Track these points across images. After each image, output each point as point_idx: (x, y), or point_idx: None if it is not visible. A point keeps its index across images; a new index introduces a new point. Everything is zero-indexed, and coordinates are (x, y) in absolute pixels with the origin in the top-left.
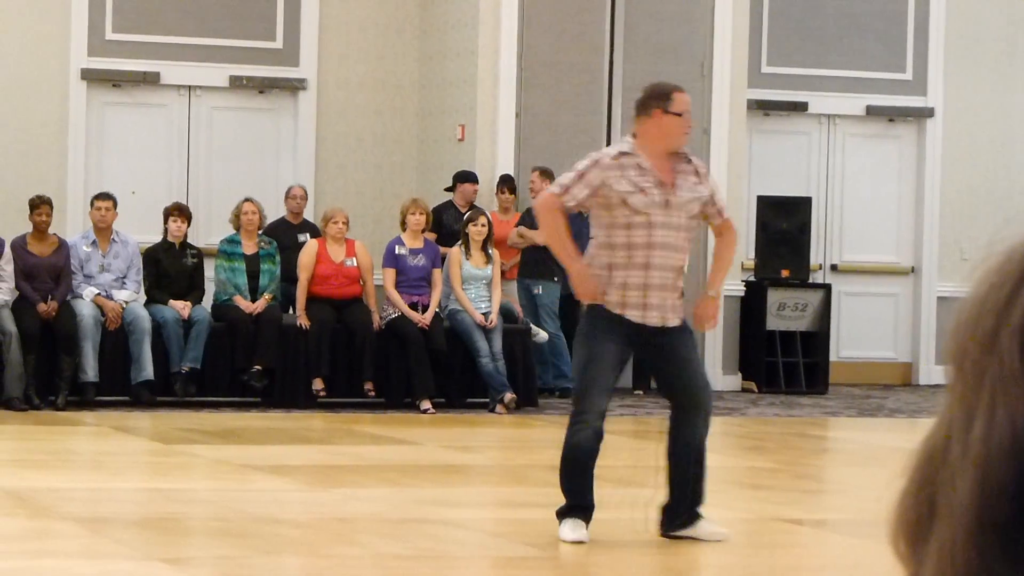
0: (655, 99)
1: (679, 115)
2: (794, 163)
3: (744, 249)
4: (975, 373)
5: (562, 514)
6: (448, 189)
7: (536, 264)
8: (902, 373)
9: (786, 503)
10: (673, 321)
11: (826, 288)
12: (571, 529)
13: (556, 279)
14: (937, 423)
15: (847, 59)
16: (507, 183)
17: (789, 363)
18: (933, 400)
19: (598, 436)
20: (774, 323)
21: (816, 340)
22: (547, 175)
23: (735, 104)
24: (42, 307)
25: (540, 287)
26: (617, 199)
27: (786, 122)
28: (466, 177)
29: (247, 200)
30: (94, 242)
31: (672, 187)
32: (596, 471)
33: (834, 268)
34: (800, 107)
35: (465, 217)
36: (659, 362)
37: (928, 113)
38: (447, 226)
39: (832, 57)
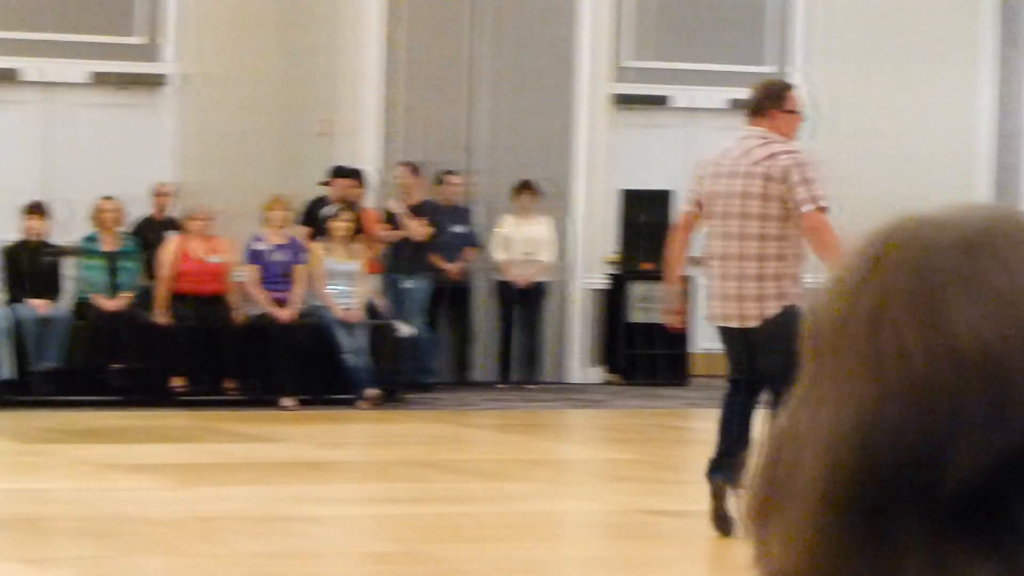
0: (772, 98)
1: (794, 112)
2: (656, 157)
3: (607, 242)
4: (827, 356)
5: None
6: (323, 184)
7: (407, 259)
8: None
9: (648, 494)
10: None
11: (688, 280)
12: None
13: (426, 273)
14: (789, 404)
15: (709, 53)
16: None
17: (651, 355)
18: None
19: None
20: (636, 315)
21: (678, 332)
22: (416, 170)
23: (597, 98)
24: None
25: (410, 282)
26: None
27: (648, 116)
28: (341, 172)
29: (105, 198)
30: None
31: None
32: (462, 465)
33: (696, 261)
34: (662, 101)
35: (328, 212)
36: None
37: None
38: (322, 221)
39: (694, 51)
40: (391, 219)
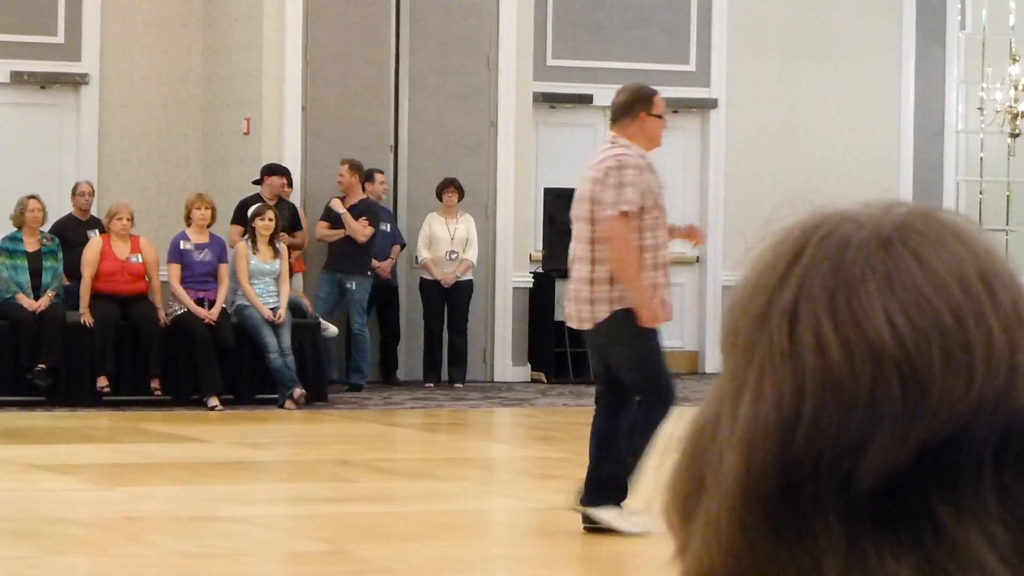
0: (642, 102)
1: (656, 116)
2: (580, 155)
3: (532, 241)
4: (745, 350)
5: (617, 503)
6: (256, 182)
7: (348, 258)
8: (689, 361)
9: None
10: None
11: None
12: (632, 520)
13: (368, 273)
14: (709, 399)
15: (631, 51)
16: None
17: (578, 353)
18: None
19: None
20: (562, 314)
21: None
22: (356, 169)
23: (521, 97)
24: None
25: (353, 282)
26: (652, 201)
27: (572, 114)
28: (274, 170)
29: (31, 197)
30: None
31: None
32: (387, 465)
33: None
34: (585, 99)
35: (251, 211)
36: None
37: (712, 104)
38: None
39: (617, 49)
40: (329, 217)
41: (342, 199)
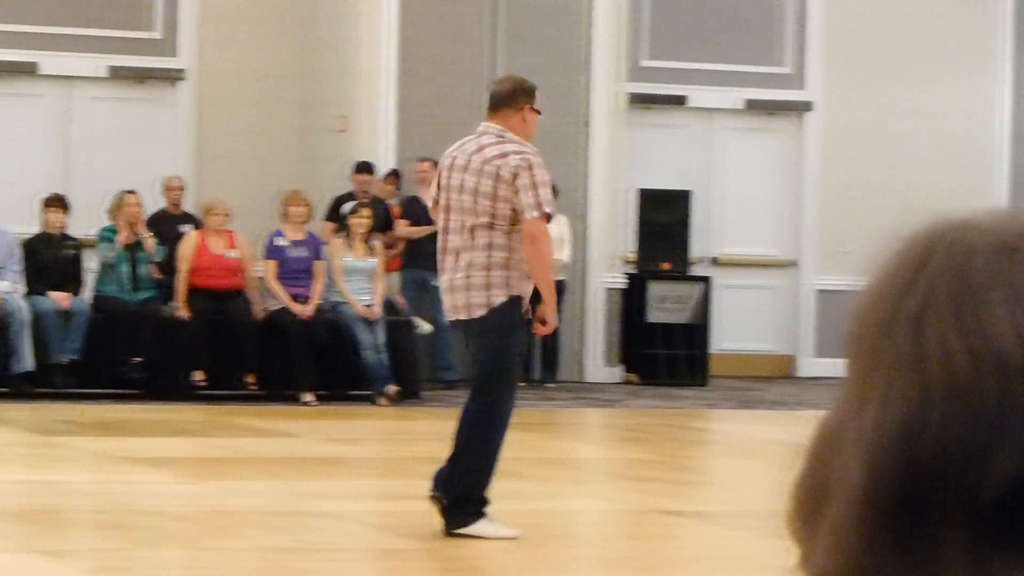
0: (525, 94)
1: (539, 112)
2: (674, 157)
3: (625, 242)
4: (870, 358)
5: (482, 513)
6: (349, 180)
7: (433, 256)
8: (781, 365)
9: (666, 495)
10: None
11: (706, 281)
12: (500, 526)
13: None
14: (834, 406)
15: (726, 53)
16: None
17: (670, 355)
18: (813, 392)
19: None
20: (655, 315)
21: (696, 332)
22: (436, 166)
23: (615, 98)
24: None
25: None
26: None
27: (666, 116)
28: (359, 168)
29: (128, 191)
30: None
31: None
32: None
33: (714, 261)
34: (679, 101)
35: (347, 208)
36: None
37: (807, 107)
38: (342, 217)
39: (711, 51)
40: (411, 215)
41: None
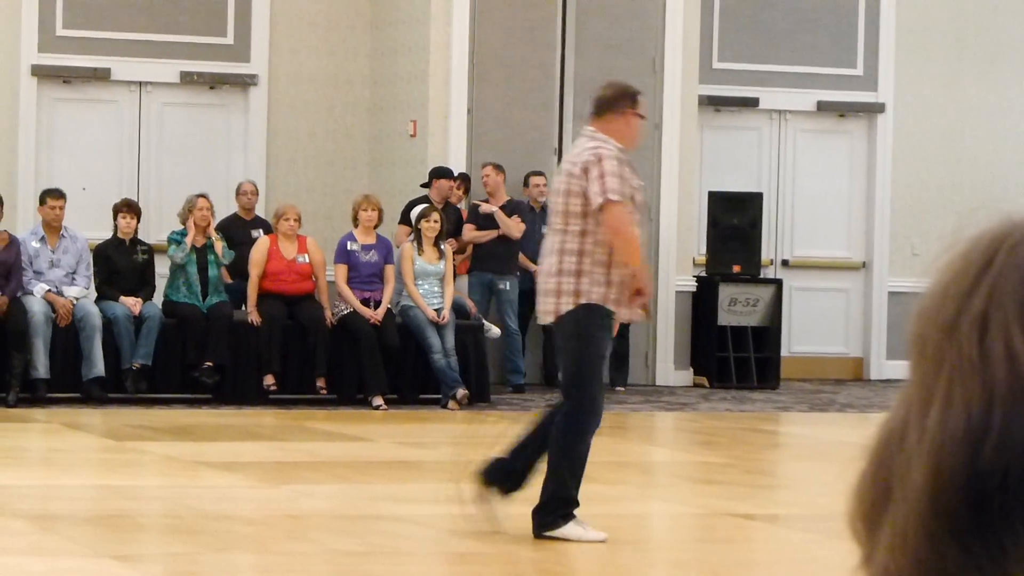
0: (629, 99)
1: (643, 117)
2: (745, 159)
3: (696, 244)
4: (934, 359)
5: (570, 515)
6: (424, 185)
7: (499, 259)
8: (853, 368)
9: (738, 498)
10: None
11: (777, 283)
12: (589, 529)
13: (518, 274)
14: (896, 407)
15: (798, 55)
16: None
17: (740, 358)
18: (884, 395)
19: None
20: (725, 318)
21: (767, 335)
22: (500, 170)
23: (686, 100)
24: None
25: (506, 282)
26: (628, 195)
27: (737, 118)
28: (442, 173)
29: (200, 195)
30: (43, 238)
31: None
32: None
33: (785, 263)
34: (751, 103)
35: (417, 213)
36: None
37: (879, 108)
38: (415, 221)
39: (783, 53)
40: (476, 219)
41: (486, 201)
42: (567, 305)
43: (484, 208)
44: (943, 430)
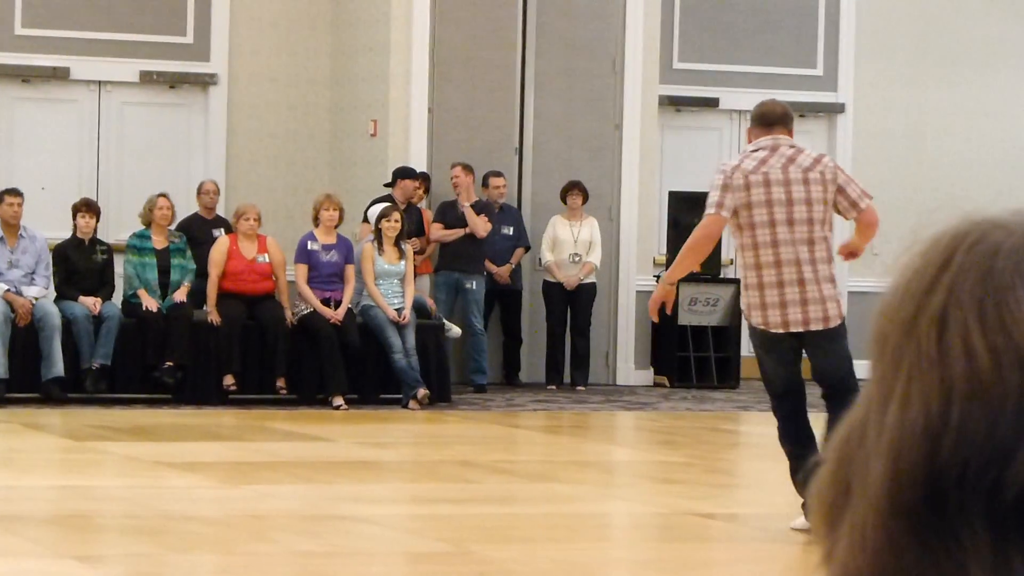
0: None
1: None
2: (706, 159)
3: (656, 244)
4: (894, 357)
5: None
6: (388, 184)
7: (465, 258)
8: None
9: (698, 497)
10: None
11: (737, 283)
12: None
13: (485, 273)
14: (857, 405)
15: (758, 55)
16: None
17: (700, 357)
18: None
19: None
20: (686, 318)
21: (727, 334)
22: (469, 170)
23: (647, 100)
24: None
25: (472, 281)
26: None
27: (697, 118)
28: (406, 173)
29: (161, 195)
30: (1, 238)
31: None
32: (509, 466)
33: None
34: (711, 103)
35: (378, 212)
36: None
37: (839, 109)
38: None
39: (743, 53)
40: (444, 217)
41: (454, 201)
42: (835, 309)
43: (459, 206)
44: (901, 427)
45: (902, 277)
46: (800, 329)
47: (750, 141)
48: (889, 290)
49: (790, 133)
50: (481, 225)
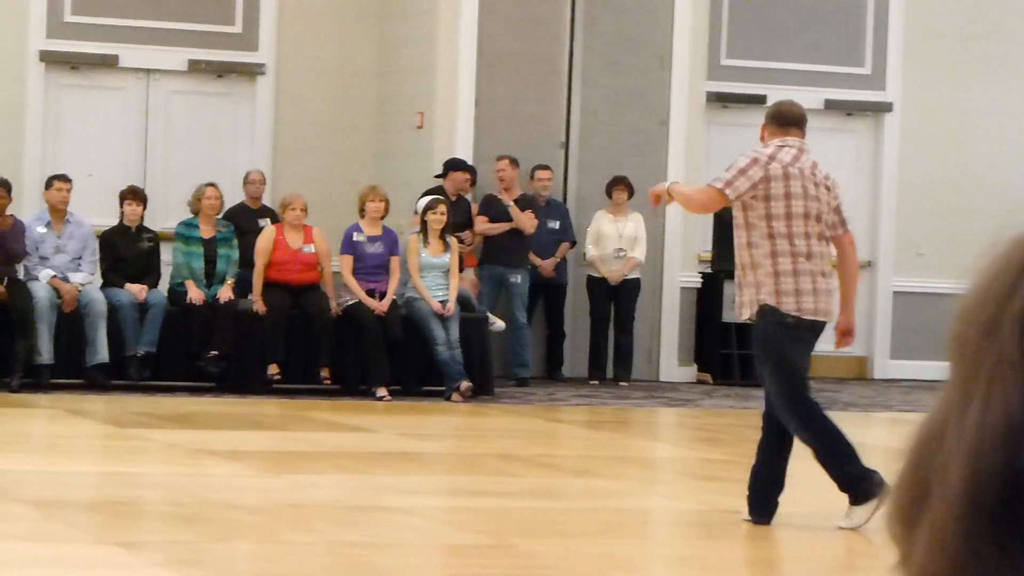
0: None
1: None
2: None
3: (701, 241)
4: (974, 359)
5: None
6: (438, 176)
7: (511, 252)
8: (857, 367)
9: (739, 495)
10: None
11: None
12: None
13: (529, 266)
14: (935, 407)
15: (806, 53)
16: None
17: (744, 355)
18: (887, 394)
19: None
20: (730, 315)
21: None
22: (516, 164)
23: (694, 96)
24: None
25: (517, 275)
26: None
27: (744, 114)
28: (457, 165)
29: (209, 185)
30: (49, 224)
31: None
32: (550, 460)
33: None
34: (758, 100)
35: (424, 205)
36: None
37: (886, 108)
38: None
39: (791, 50)
40: (489, 211)
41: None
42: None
43: (503, 200)
44: (982, 429)
45: (983, 279)
46: (825, 320)
47: (763, 138)
48: (969, 292)
49: (804, 136)
50: (528, 222)
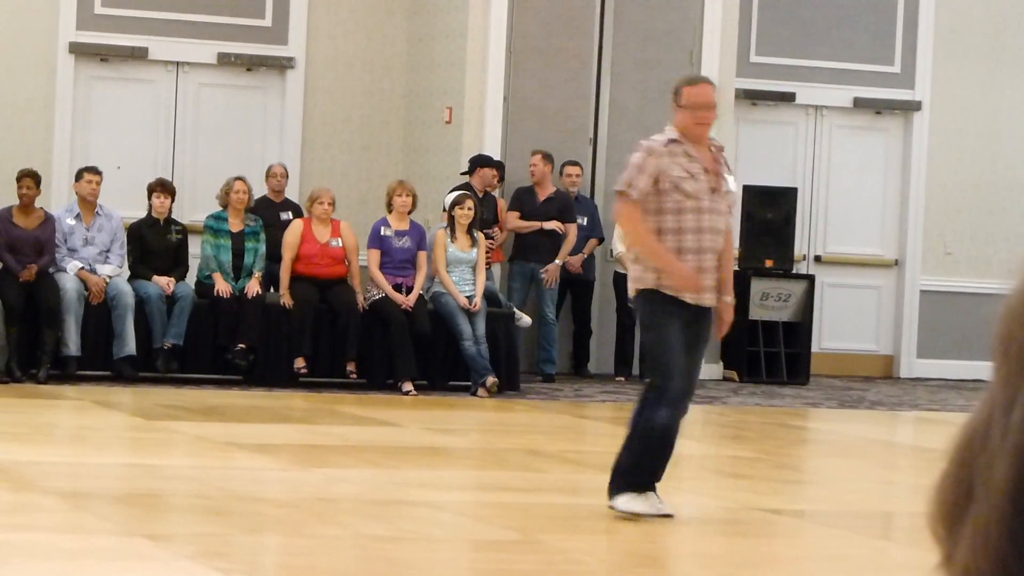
0: (674, 92)
1: (688, 108)
2: (781, 153)
3: None
4: (1020, 359)
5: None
6: (465, 173)
7: (542, 249)
8: (883, 365)
9: (766, 493)
10: (711, 302)
11: (809, 279)
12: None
13: (559, 263)
14: (979, 407)
15: (836, 51)
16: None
17: (771, 353)
18: (914, 393)
19: (681, 415)
20: (757, 313)
21: (798, 331)
22: (549, 160)
23: (723, 93)
24: (24, 273)
25: (547, 272)
26: (668, 184)
27: (774, 112)
28: (485, 161)
29: (238, 178)
30: (78, 216)
31: (717, 176)
32: (577, 456)
33: (818, 259)
34: (788, 97)
35: (452, 200)
36: (689, 341)
37: (915, 106)
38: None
39: (821, 48)
40: (521, 206)
41: (531, 188)
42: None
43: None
44: None
45: None
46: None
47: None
48: (1014, 292)
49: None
50: (571, 233)
